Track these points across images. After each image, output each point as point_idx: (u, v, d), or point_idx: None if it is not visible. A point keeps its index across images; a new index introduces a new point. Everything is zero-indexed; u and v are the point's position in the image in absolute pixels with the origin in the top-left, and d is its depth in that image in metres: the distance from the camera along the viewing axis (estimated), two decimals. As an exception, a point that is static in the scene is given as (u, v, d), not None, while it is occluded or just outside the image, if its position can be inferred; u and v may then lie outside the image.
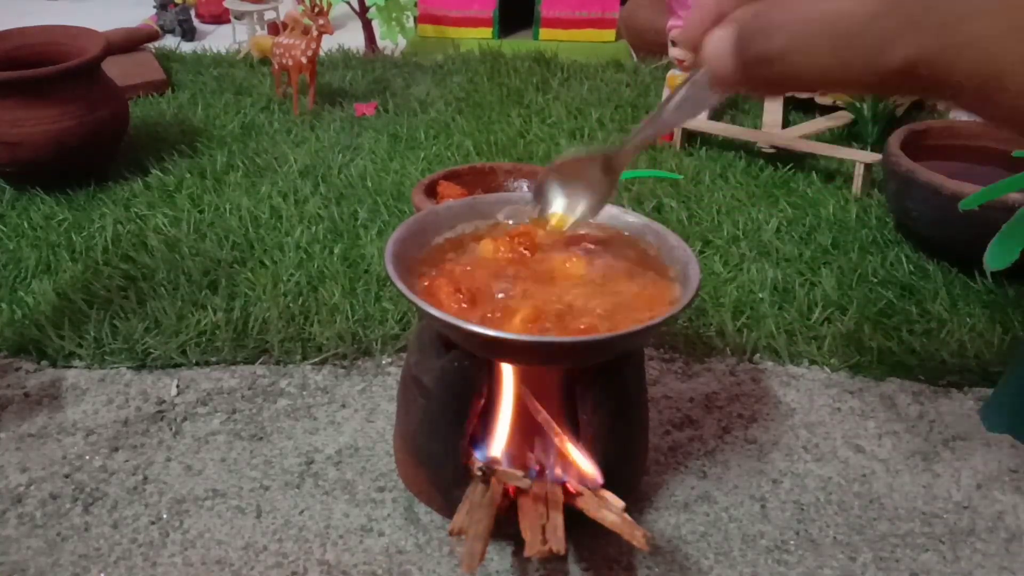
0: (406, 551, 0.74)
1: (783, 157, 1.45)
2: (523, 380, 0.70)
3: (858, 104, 1.53)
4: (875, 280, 1.13)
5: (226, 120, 1.60)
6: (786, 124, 1.58)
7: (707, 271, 1.14)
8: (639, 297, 0.65)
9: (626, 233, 0.73)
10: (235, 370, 0.97)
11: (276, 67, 1.65)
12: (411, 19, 2.11)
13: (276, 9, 2.08)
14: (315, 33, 1.58)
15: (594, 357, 0.67)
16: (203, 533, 0.76)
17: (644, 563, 0.74)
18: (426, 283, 0.66)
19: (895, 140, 1.20)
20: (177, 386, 0.94)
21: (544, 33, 2.13)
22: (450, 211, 0.74)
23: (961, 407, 0.93)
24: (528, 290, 0.65)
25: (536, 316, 0.61)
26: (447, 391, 0.70)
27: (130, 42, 1.89)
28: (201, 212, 1.28)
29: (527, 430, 0.72)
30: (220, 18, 2.29)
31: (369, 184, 1.35)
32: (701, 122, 1.52)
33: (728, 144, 1.51)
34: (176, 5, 2.23)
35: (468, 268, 0.67)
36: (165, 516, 0.78)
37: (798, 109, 1.69)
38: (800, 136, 1.46)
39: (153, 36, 2.00)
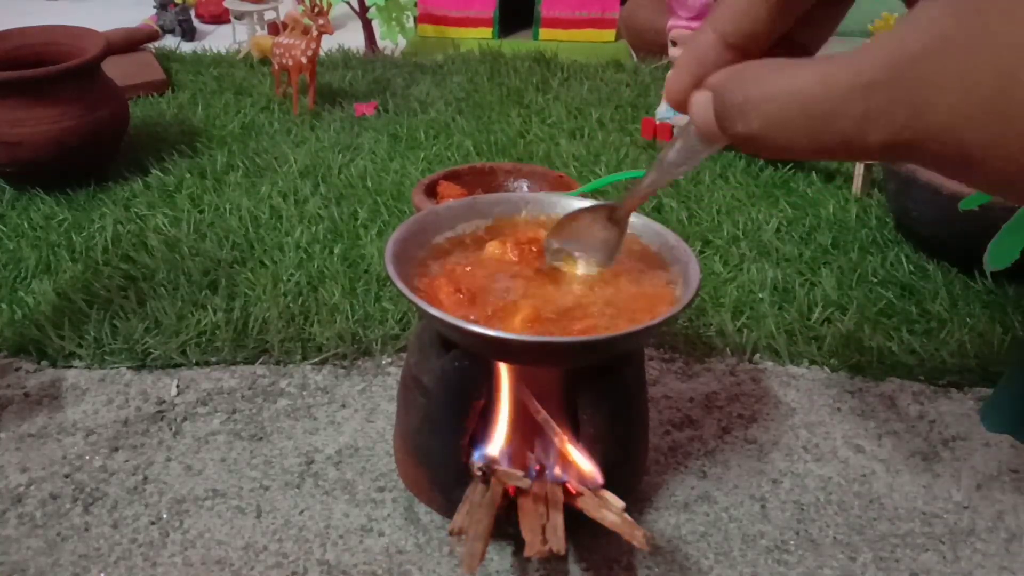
0: (406, 551, 0.74)
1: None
2: (523, 380, 0.70)
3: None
4: (875, 280, 1.13)
5: (226, 120, 1.60)
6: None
7: (707, 271, 1.14)
8: (639, 297, 0.65)
9: (627, 233, 0.72)
10: (235, 370, 0.97)
11: (276, 67, 1.65)
12: (411, 19, 2.11)
13: (276, 9, 2.08)
14: (315, 33, 1.58)
15: (594, 357, 0.67)
16: (203, 533, 0.76)
17: (644, 563, 0.74)
18: (426, 283, 0.66)
19: (895, 140, 1.20)
20: (177, 386, 0.94)
21: (544, 33, 2.13)
22: (450, 211, 0.74)
23: (961, 407, 0.93)
24: (528, 290, 0.65)
25: (536, 316, 0.62)
26: (447, 391, 0.70)
27: (130, 42, 1.89)
28: (201, 212, 1.28)
29: (527, 430, 0.72)
30: (220, 18, 2.29)
31: (369, 184, 1.35)
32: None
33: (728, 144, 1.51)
34: (176, 5, 2.24)
35: (468, 268, 0.67)
36: (165, 516, 0.78)
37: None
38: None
39: (153, 36, 2.00)
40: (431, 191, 0.95)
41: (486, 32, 2.13)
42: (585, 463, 0.71)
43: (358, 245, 1.18)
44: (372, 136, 1.54)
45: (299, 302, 1.06)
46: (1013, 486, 0.83)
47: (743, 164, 1.45)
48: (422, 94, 1.75)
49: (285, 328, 1.01)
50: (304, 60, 1.59)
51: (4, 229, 1.22)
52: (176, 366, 0.97)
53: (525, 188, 1.00)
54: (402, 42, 2.09)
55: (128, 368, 0.97)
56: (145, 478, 0.82)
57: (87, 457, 0.84)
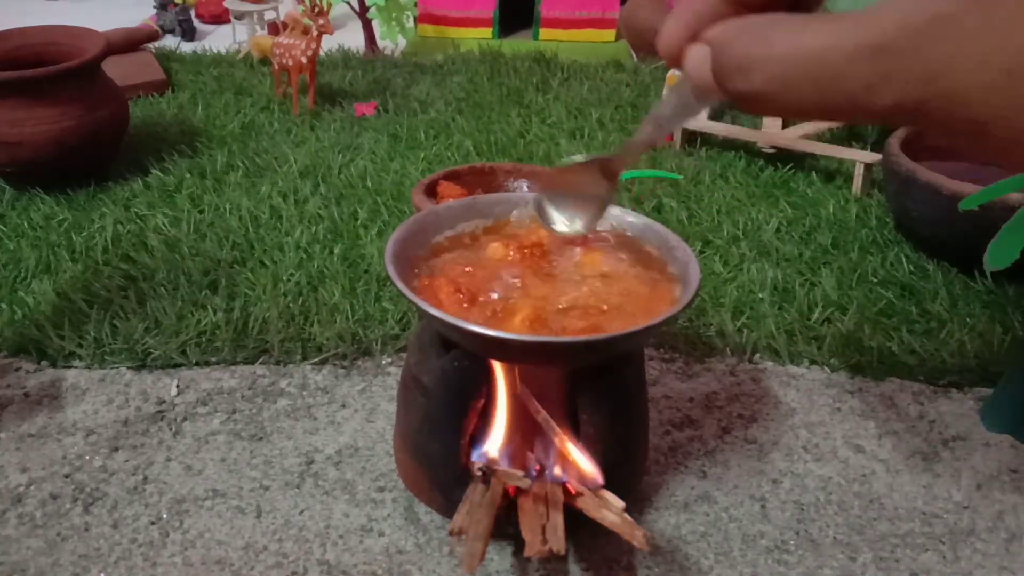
0: (406, 551, 0.74)
1: (783, 157, 1.45)
2: (523, 380, 0.70)
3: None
4: (875, 280, 1.13)
5: (226, 120, 1.60)
6: (786, 124, 1.57)
7: (707, 271, 1.14)
8: (639, 297, 0.65)
9: (627, 233, 0.73)
10: (235, 370, 0.97)
11: (276, 67, 1.65)
12: (411, 19, 2.11)
13: (276, 9, 2.08)
14: (315, 33, 1.58)
15: (594, 357, 0.67)
16: (203, 533, 0.76)
17: (644, 563, 0.74)
18: (426, 283, 0.66)
19: (895, 140, 1.20)
20: (177, 386, 0.94)
21: (544, 33, 2.13)
22: (450, 211, 0.74)
23: (961, 407, 0.93)
24: (528, 290, 0.65)
25: (536, 316, 0.62)
26: (447, 391, 0.70)
27: (130, 42, 1.89)
28: (201, 212, 1.28)
29: (527, 430, 0.72)
30: (220, 18, 2.29)
31: (369, 184, 1.35)
32: (701, 122, 1.52)
33: (728, 144, 1.51)
34: (176, 5, 2.23)
35: (468, 268, 0.67)
36: (165, 516, 0.78)
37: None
38: (800, 136, 1.46)
39: (153, 36, 2.00)
40: (431, 191, 0.95)
41: (486, 32, 2.13)
42: (585, 463, 0.71)
43: (358, 245, 1.18)
44: (372, 136, 1.54)
45: (299, 302, 1.06)
46: (1013, 486, 0.83)
47: (743, 164, 1.45)
48: (422, 94, 1.75)
49: (285, 328, 1.01)
50: (304, 60, 1.59)
51: (4, 229, 1.22)
52: (176, 366, 0.97)
53: (525, 188, 1.00)
54: (402, 42, 2.09)
55: (128, 368, 0.97)
56: (145, 478, 0.82)
57: (87, 457, 0.84)
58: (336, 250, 1.16)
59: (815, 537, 0.77)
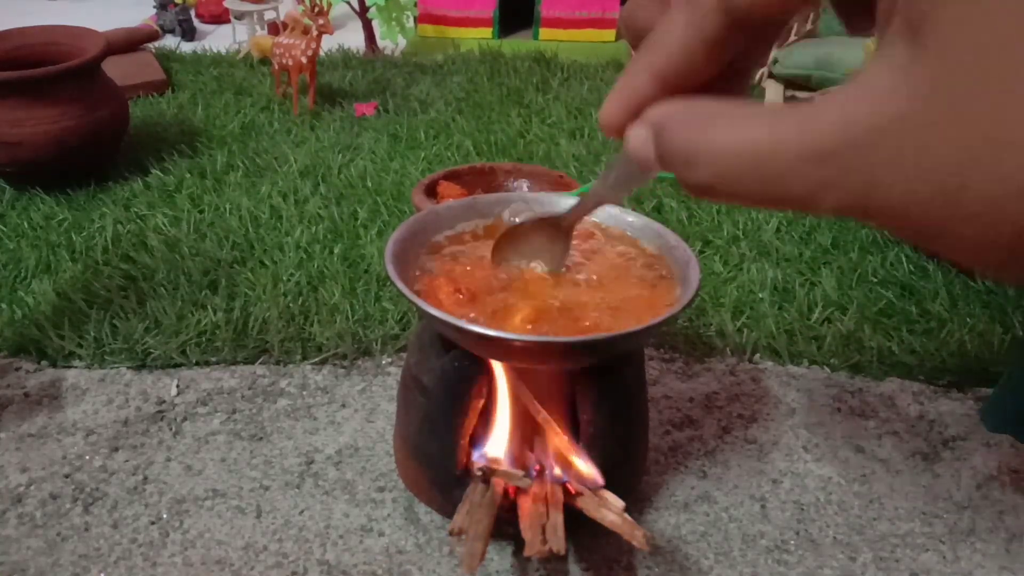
0: (406, 551, 0.74)
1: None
2: (523, 380, 0.70)
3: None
4: (875, 280, 1.13)
5: (226, 120, 1.60)
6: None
7: (707, 271, 1.14)
8: (639, 297, 0.65)
9: (627, 233, 0.73)
10: (235, 370, 0.97)
11: (276, 67, 1.65)
12: (411, 19, 2.11)
13: (276, 9, 2.08)
14: (315, 33, 1.58)
15: (594, 357, 0.67)
16: (203, 533, 0.76)
17: (644, 563, 0.74)
18: (426, 283, 0.66)
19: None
20: (177, 386, 0.94)
21: (544, 33, 2.13)
22: (450, 211, 0.74)
23: (961, 407, 0.93)
24: (528, 290, 0.65)
25: (536, 316, 0.62)
26: (447, 391, 0.70)
27: (130, 42, 1.89)
28: (201, 212, 1.28)
29: (527, 430, 0.72)
30: (220, 18, 2.29)
31: (369, 184, 1.35)
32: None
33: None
34: (176, 5, 2.24)
35: (468, 268, 0.67)
36: (165, 516, 0.78)
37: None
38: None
39: (153, 36, 2.00)
40: (431, 191, 0.95)
41: (486, 32, 2.13)
42: (585, 463, 0.71)
43: (358, 245, 1.18)
44: (372, 136, 1.54)
45: (299, 302, 1.06)
46: (1013, 486, 0.83)
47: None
48: (422, 94, 1.75)
49: (285, 328, 1.01)
50: (304, 60, 1.59)
51: (4, 229, 1.22)
52: (176, 366, 0.97)
53: (525, 188, 1.00)
54: (402, 42, 2.09)
55: (128, 368, 0.97)
56: (145, 478, 0.82)
57: (87, 457, 0.84)
58: (336, 250, 1.16)
59: (815, 537, 0.77)
